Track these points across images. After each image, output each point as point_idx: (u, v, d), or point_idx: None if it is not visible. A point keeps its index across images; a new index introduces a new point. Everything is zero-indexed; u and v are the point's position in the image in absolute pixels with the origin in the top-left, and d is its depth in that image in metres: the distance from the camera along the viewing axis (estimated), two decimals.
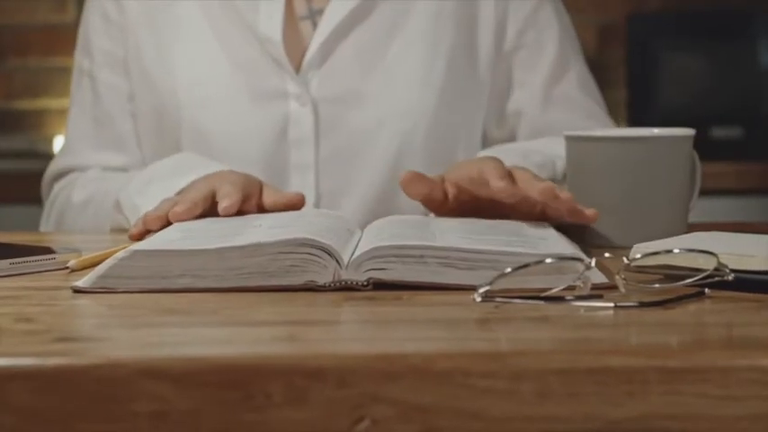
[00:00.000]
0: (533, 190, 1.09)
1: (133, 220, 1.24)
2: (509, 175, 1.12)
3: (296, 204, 1.21)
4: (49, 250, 1.04)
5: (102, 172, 1.48)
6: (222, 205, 1.15)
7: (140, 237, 1.15)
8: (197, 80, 1.43)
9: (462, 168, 1.16)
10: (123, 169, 1.48)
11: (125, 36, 1.47)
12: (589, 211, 1.09)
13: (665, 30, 2.85)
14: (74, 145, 1.52)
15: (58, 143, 2.92)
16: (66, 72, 3.03)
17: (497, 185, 1.09)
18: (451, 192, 1.16)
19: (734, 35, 2.81)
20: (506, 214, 1.13)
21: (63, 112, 3.05)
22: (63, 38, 3.04)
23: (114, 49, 1.48)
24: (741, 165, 2.62)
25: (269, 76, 1.42)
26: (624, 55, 2.92)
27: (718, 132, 2.70)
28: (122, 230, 1.33)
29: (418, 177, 1.15)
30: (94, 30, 1.49)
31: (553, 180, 1.30)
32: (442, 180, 1.17)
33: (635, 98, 2.84)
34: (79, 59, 1.52)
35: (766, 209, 2.61)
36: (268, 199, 1.22)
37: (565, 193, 1.08)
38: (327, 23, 1.42)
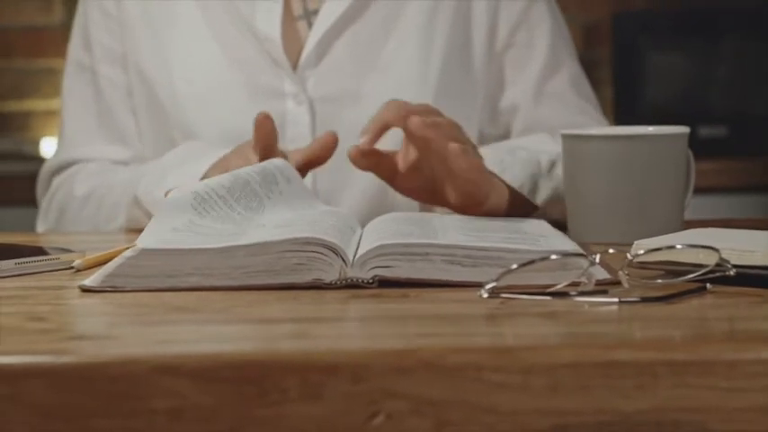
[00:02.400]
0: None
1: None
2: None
3: (329, 145, 1.23)
4: (52, 250, 1.05)
5: (104, 165, 1.48)
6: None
7: None
8: (194, 78, 1.44)
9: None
10: (126, 163, 1.49)
11: (123, 31, 1.48)
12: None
13: (650, 28, 2.86)
14: (74, 139, 1.51)
15: (44, 145, 2.92)
16: (52, 73, 3.03)
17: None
18: (402, 164, 1.21)
19: (719, 34, 2.83)
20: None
21: (49, 114, 3.05)
22: (49, 39, 3.04)
23: (114, 44, 1.48)
24: (726, 162, 2.64)
25: (266, 75, 1.43)
26: (610, 54, 2.94)
27: (704, 131, 2.72)
28: (128, 229, 1.35)
29: (363, 152, 1.20)
30: (94, 25, 1.49)
31: (537, 174, 1.31)
32: (394, 153, 1.22)
33: (620, 97, 2.86)
34: (77, 54, 1.52)
35: (750, 206, 2.63)
36: (297, 157, 1.24)
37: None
38: (322, 23, 1.43)
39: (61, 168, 1.51)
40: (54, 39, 3.02)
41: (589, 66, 2.99)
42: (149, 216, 1.28)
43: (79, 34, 1.52)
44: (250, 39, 1.43)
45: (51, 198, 1.51)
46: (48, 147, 2.90)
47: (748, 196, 2.64)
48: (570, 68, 1.52)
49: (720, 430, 0.69)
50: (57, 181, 1.51)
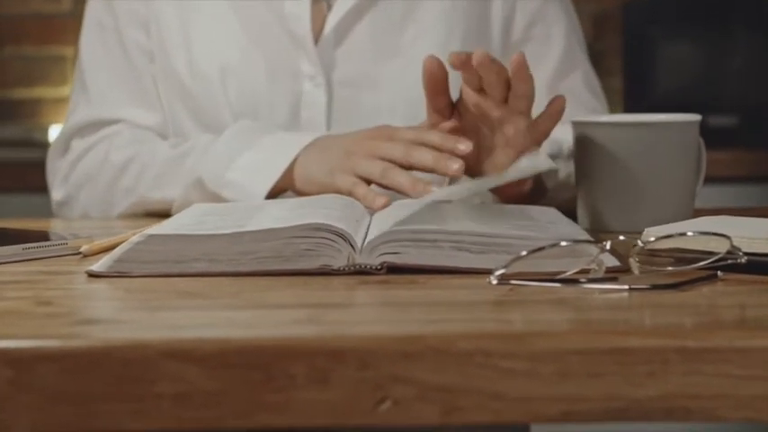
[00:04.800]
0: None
1: (231, 194, 1.27)
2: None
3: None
4: (59, 236, 1.04)
5: (138, 134, 1.45)
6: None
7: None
8: (213, 52, 1.43)
9: None
10: (153, 129, 1.46)
11: (148, 1, 1.46)
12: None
13: (660, 18, 2.85)
14: (101, 99, 1.47)
15: (54, 132, 2.92)
16: (61, 61, 3.04)
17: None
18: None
19: (729, 23, 2.82)
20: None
21: (59, 101, 3.05)
22: (58, 27, 3.04)
23: (138, 9, 1.46)
24: (737, 152, 2.64)
25: (285, 55, 1.42)
26: (620, 43, 2.93)
27: (714, 120, 2.71)
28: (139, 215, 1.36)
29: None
30: None
31: (556, 155, 1.31)
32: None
33: (631, 86, 2.85)
34: (99, 17, 1.48)
35: (762, 196, 2.62)
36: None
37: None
38: (342, 5, 1.42)
39: (85, 128, 1.47)
40: (63, 27, 3.03)
41: (599, 55, 3.00)
42: (211, 199, 1.28)
43: (99, 2, 1.49)
44: (274, 16, 1.42)
45: (75, 161, 1.46)
46: (57, 134, 2.89)
47: (759, 186, 2.63)
48: (584, 67, 1.53)
49: (731, 418, 0.69)
50: (80, 143, 1.47)
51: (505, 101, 1.18)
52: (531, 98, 1.18)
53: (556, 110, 1.18)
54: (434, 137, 1.19)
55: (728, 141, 2.67)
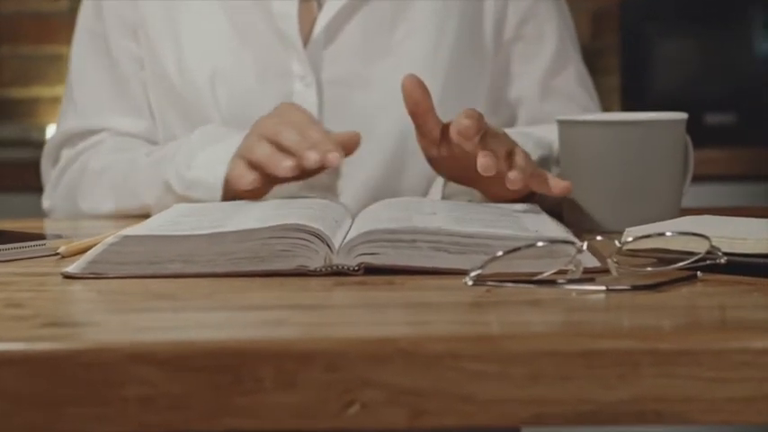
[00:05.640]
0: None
1: (197, 194, 1.26)
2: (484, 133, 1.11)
3: (353, 142, 1.23)
4: (39, 236, 1.04)
5: (120, 143, 1.45)
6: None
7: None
8: (203, 53, 1.42)
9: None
10: (141, 136, 1.45)
11: (135, 3, 1.45)
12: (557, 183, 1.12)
13: (658, 16, 2.84)
14: (87, 108, 1.47)
15: (51, 131, 2.91)
16: (59, 60, 3.03)
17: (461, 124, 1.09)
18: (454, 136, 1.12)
19: (728, 21, 2.81)
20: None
21: (56, 101, 3.05)
22: (56, 26, 3.03)
23: (126, 14, 1.45)
24: (735, 150, 2.62)
25: (275, 55, 1.41)
26: (618, 41, 2.92)
27: (712, 119, 2.69)
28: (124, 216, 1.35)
29: (419, 84, 1.15)
30: None
31: (547, 159, 1.30)
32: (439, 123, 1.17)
33: (629, 84, 2.83)
34: (88, 23, 1.48)
35: (760, 195, 2.61)
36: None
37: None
38: (332, 4, 1.41)
39: (73, 138, 1.47)
40: (61, 26, 3.02)
41: (597, 53, 2.99)
42: (181, 201, 1.27)
43: (91, 4, 1.48)
44: (263, 16, 1.41)
45: (63, 171, 1.46)
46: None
47: (757, 185, 2.62)
48: (577, 65, 1.51)
49: (703, 421, 0.68)
50: (69, 152, 1.47)
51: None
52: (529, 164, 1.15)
53: (560, 191, 1.13)
54: (315, 133, 1.18)
55: (726, 139, 2.66)
